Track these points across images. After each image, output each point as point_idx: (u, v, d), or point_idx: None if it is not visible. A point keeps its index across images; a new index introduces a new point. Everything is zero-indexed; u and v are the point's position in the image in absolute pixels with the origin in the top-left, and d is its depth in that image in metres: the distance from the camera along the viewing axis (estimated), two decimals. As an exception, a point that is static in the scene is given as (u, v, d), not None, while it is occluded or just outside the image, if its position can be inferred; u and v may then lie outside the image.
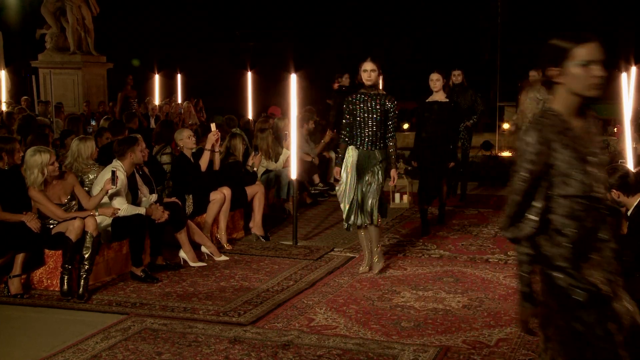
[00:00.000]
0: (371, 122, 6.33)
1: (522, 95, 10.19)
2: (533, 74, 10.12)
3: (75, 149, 6.69)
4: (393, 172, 6.45)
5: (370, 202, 6.26)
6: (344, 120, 6.49)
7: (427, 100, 8.01)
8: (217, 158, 7.61)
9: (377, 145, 6.35)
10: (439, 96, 7.90)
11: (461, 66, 9.88)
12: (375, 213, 6.29)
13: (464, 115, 9.45)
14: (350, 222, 6.41)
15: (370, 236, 6.44)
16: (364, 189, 6.31)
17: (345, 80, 12.30)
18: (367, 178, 6.30)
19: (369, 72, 6.36)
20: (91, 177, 6.62)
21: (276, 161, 8.84)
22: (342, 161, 6.40)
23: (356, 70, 6.59)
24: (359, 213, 6.34)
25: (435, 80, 7.89)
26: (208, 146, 7.49)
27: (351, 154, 6.35)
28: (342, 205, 6.41)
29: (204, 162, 7.46)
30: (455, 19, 22.23)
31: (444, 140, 7.92)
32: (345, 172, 6.34)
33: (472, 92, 9.79)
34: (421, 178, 8.06)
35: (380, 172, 6.32)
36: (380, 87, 7.34)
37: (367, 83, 6.41)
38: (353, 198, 6.31)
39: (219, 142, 7.63)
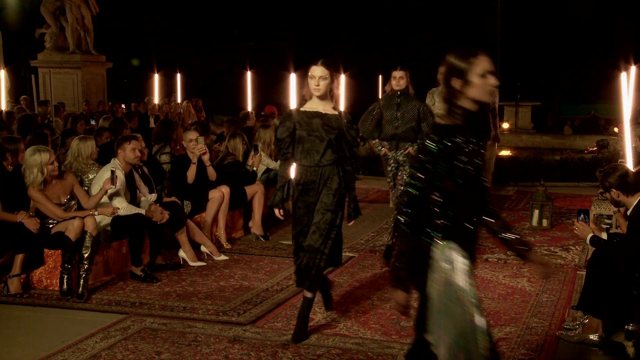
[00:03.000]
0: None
1: (427, 98, 8.27)
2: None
3: (75, 148, 6.69)
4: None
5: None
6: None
7: (301, 110, 4.97)
8: (211, 170, 7.49)
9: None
10: (323, 105, 4.94)
11: (407, 66, 7.20)
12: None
13: (407, 139, 7.03)
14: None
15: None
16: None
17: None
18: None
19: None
20: (91, 177, 6.61)
21: (277, 160, 8.84)
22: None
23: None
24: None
25: (318, 78, 4.87)
26: (194, 160, 7.29)
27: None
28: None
29: (190, 175, 7.29)
30: (456, 18, 22.23)
31: (331, 176, 4.90)
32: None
33: (421, 106, 7.08)
34: (295, 234, 5.08)
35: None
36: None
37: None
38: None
39: (208, 155, 7.43)
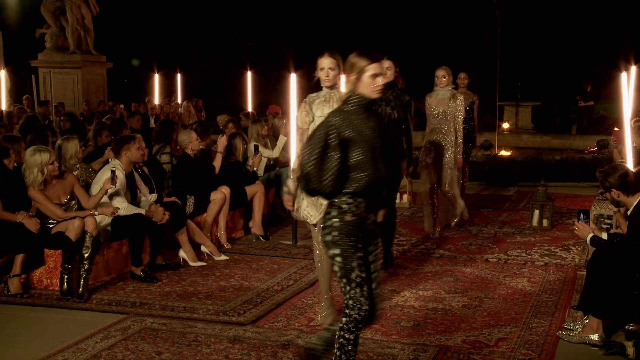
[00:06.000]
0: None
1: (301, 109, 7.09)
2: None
3: (57, 148, 6.66)
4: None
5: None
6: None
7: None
8: (219, 159, 7.67)
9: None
10: None
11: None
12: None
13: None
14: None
15: None
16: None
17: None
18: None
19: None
20: (75, 173, 6.56)
21: (272, 148, 8.88)
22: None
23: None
24: None
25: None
26: (220, 149, 7.61)
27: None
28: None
29: (217, 165, 7.58)
30: (457, 18, 22.24)
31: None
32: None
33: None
34: None
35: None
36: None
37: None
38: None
39: (225, 144, 7.75)
